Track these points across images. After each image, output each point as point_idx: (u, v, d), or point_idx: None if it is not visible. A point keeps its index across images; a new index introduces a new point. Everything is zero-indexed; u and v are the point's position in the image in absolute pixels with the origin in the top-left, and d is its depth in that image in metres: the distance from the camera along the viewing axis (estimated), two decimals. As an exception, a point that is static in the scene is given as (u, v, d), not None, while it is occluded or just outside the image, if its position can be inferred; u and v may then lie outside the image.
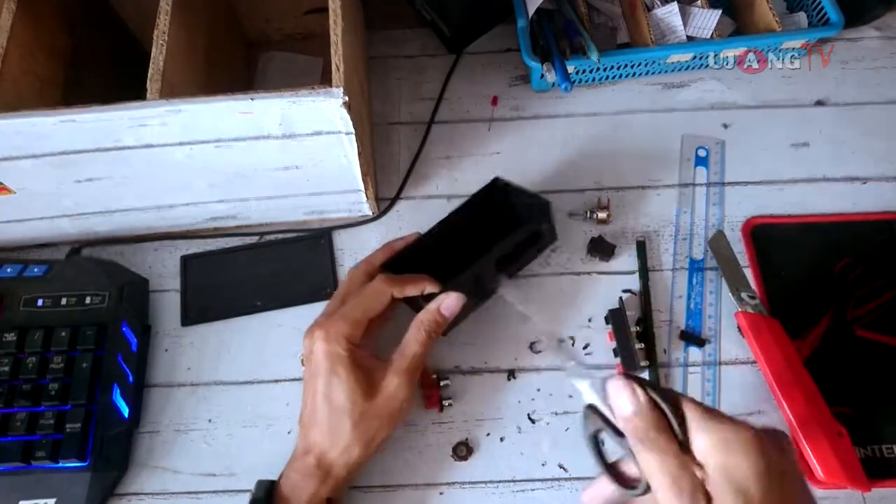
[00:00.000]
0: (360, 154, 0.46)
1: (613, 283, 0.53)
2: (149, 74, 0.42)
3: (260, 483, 0.41)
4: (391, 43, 0.65)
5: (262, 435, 0.48)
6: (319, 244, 0.55)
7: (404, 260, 0.47)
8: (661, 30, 0.60)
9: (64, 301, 0.49)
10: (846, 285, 0.52)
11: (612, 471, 0.32)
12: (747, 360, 0.50)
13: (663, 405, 0.30)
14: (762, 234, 0.54)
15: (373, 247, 0.55)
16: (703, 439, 0.29)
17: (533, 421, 0.48)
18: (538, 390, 0.49)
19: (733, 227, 0.55)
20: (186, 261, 0.54)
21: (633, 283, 0.53)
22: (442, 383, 0.48)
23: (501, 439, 0.48)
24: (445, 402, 0.48)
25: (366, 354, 0.42)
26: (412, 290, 0.44)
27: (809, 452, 0.45)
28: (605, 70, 0.59)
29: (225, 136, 0.42)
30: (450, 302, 0.44)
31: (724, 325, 0.51)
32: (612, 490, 0.32)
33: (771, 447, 0.29)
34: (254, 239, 0.56)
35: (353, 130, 0.42)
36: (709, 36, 0.58)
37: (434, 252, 0.48)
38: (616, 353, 0.49)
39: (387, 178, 0.58)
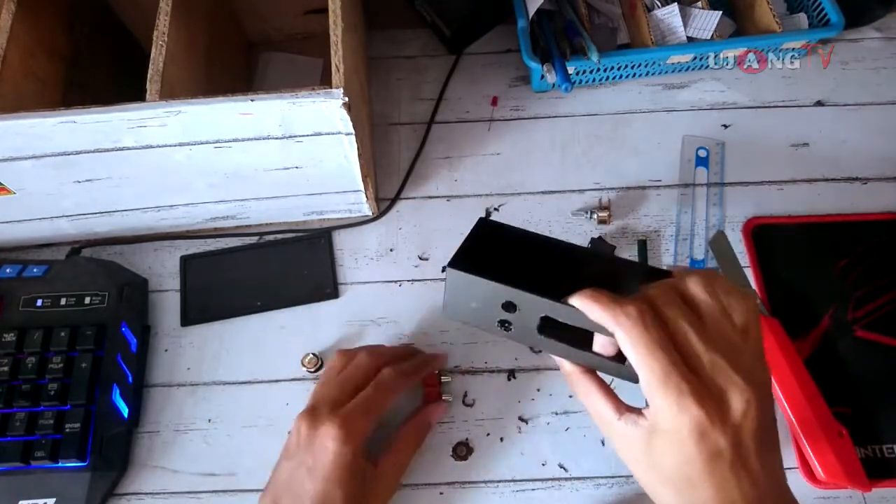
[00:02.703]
0: (360, 154, 0.45)
1: (613, 284, 0.53)
2: (148, 75, 0.42)
3: None
4: (391, 43, 0.65)
5: (262, 435, 0.48)
6: (319, 244, 0.55)
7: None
8: (661, 31, 0.60)
9: (63, 301, 0.49)
10: (846, 285, 0.52)
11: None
12: (747, 361, 0.50)
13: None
14: (762, 234, 0.54)
15: (372, 247, 0.55)
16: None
17: (533, 421, 0.48)
18: (538, 390, 0.49)
19: (733, 227, 0.55)
20: (186, 261, 0.54)
21: (633, 283, 0.53)
22: (443, 379, 0.48)
23: (501, 439, 0.48)
24: (445, 396, 0.48)
25: (365, 453, 0.41)
26: (422, 375, 0.47)
27: (810, 452, 0.45)
28: (605, 71, 0.59)
29: (225, 137, 0.42)
30: (440, 411, 0.47)
31: (724, 325, 0.51)
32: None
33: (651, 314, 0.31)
34: (254, 239, 0.56)
35: (352, 131, 0.42)
36: (709, 37, 0.58)
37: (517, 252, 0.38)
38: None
39: (387, 179, 0.58)
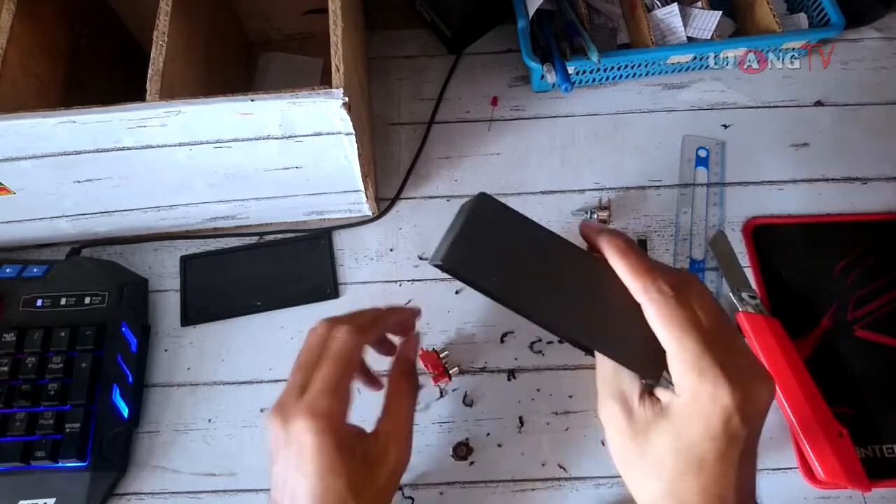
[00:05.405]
0: (360, 154, 0.45)
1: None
2: (148, 75, 0.42)
3: None
4: (391, 43, 0.65)
5: (262, 435, 0.48)
6: (319, 244, 0.55)
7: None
8: (661, 31, 0.60)
9: (63, 301, 0.49)
10: (846, 285, 0.52)
11: None
12: (747, 361, 0.50)
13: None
14: (762, 234, 0.54)
15: (372, 247, 0.55)
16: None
17: (533, 421, 0.48)
18: (538, 390, 0.49)
19: (734, 227, 0.55)
20: (186, 261, 0.54)
21: (633, 283, 0.53)
22: (442, 355, 0.48)
23: (501, 440, 0.48)
24: (451, 370, 0.48)
25: (350, 428, 0.36)
26: (386, 328, 0.39)
27: (810, 452, 0.45)
28: (605, 71, 0.59)
29: (225, 137, 0.42)
30: (415, 342, 0.41)
31: (724, 325, 0.51)
32: None
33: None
34: (254, 239, 0.56)
35: (353, 131, 0.42)
36: (709, 37, 0.58)
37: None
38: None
39: (387, 179, 0.58)
